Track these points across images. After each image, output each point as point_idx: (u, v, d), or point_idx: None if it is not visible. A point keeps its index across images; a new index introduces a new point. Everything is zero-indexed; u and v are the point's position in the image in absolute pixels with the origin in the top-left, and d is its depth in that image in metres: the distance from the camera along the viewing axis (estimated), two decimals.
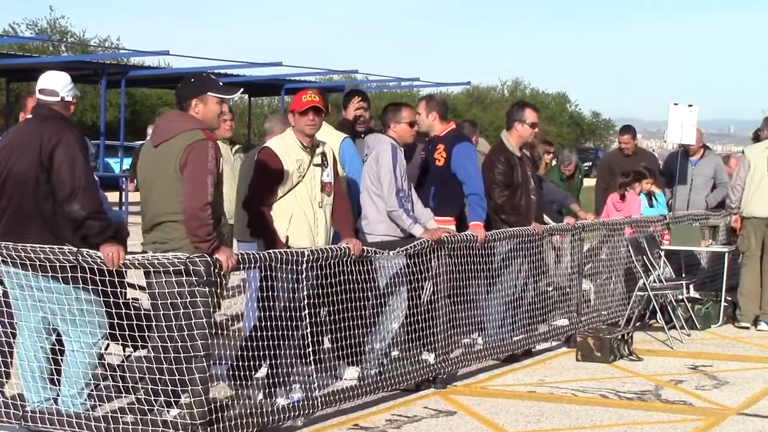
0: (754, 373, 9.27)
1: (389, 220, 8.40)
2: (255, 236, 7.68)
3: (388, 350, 8.36)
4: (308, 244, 7.37)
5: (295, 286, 7.13)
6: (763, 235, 11.46)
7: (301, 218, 7.48)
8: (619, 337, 9.77)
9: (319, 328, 7.71)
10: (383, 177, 8.36)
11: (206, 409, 6.18)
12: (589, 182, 14.35)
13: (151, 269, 6.29)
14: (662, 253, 11.75)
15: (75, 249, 6.35)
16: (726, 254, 11.89)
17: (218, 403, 6.45)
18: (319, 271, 7.31)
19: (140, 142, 15.51)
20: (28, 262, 6.43)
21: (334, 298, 7.47)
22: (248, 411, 6.59)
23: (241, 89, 7.13)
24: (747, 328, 11.36)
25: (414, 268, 8.24)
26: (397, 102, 9.26)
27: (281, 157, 7.46)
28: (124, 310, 6.46)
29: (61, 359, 6.68)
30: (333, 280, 7.39)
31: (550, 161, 13.51)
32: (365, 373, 8.04)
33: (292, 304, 7.14)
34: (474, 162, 9.21)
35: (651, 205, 12.45)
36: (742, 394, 8.44)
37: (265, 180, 7.48)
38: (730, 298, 11.86)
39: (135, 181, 15.03)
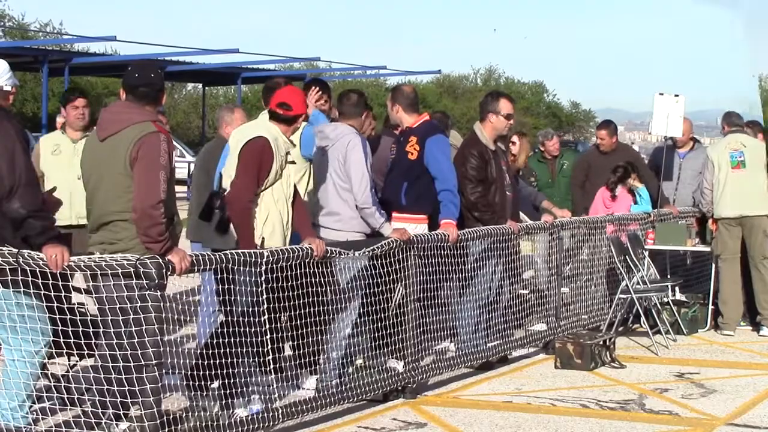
0: (744, 380, 9.36)
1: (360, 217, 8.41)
2: (223, 232, 7.43)
3: (349, 358, 8.36)
4: (282, 246, 7.33)
5: (254, 289, 7.12)
6: (739, 236, 11.58)
7: (276, 218, 7.39)
8: (601, 342, 9.83)
9: (280, 335, 7.70)
10: (355, 172, 8.34)
11: (158, 422, 6.17)
12: None
13: (99, 272, 6.26)
14: (646, 253, 11.83)
15: (15, 250, 6.30)
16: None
17: (171, 416, 6.43)
18: (279, 273, 7.30)
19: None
20: None
21: (295, 302, 7.46)
22: (204, 424, 6.59)
23: None
24: (731, 335, 11.45)
25: (382, 270, 8.24)
26: (353, 90, 9.24)
27: (275, 150, 7.32)
28: (68, 316, 6.43)
29: (0, 369, 6.64)
30: (294, 283, 7.38)
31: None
32: (326, 383, 8.03)
33: (250, 309, 7.11)
34: (447, 156, 9.22)
35: (635, 202, 12.50)
36: (731, 403, 8.51)
37: (257, 173, 7.26)
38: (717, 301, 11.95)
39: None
